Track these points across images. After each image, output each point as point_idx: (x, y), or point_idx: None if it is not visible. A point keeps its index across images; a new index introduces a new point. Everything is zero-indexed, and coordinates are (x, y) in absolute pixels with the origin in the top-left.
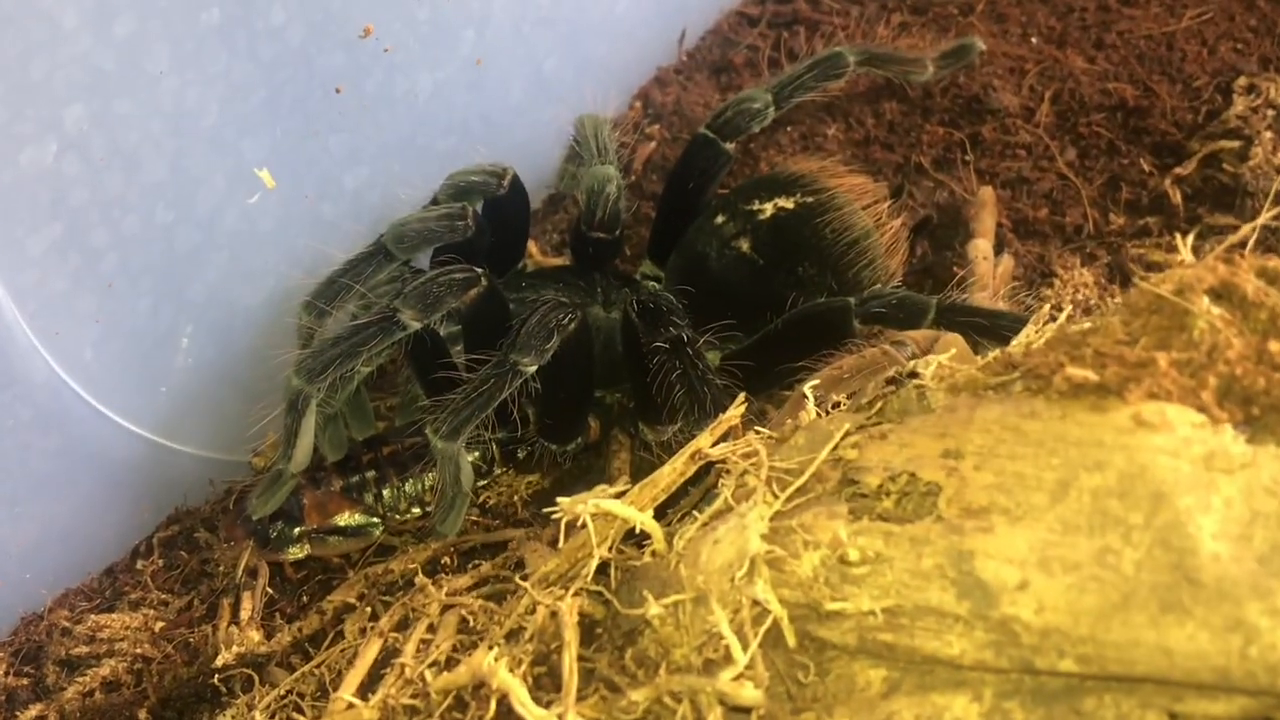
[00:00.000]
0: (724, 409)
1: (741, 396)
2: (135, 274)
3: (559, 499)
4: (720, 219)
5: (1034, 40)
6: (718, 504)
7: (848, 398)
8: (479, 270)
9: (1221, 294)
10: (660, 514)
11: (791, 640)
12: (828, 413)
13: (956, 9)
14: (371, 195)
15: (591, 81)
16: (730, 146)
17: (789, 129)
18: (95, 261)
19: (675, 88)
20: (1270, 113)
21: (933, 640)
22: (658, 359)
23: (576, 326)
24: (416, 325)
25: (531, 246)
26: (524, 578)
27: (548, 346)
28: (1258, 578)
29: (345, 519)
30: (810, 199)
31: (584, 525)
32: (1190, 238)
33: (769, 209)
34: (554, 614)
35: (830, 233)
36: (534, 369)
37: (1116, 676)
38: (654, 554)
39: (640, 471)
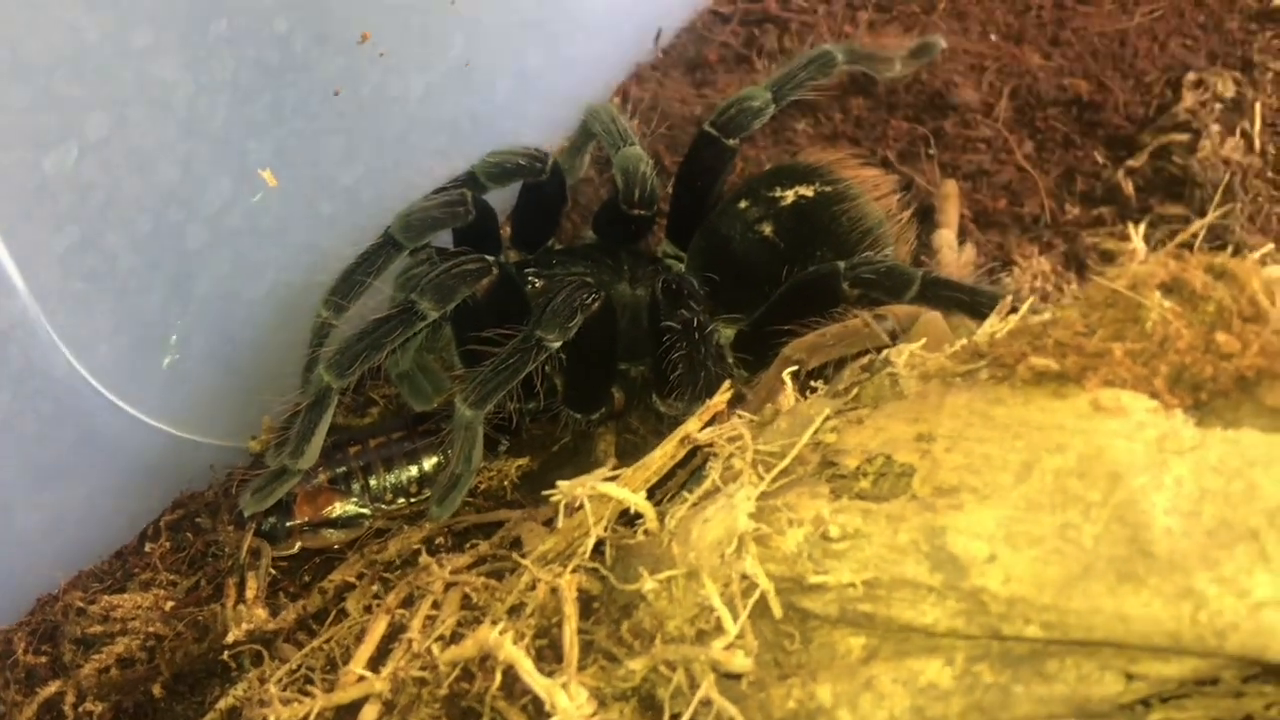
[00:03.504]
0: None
1: (728, 384)
2: (147, 272)
3: (559, 482)
4: (744, 204)
5: (993, 38)
6: (706, 485)
7: (827, 372)
8: (490, 259)
9: (1172, 288)
10: (651, 495)
11: (778, 611)
12: (806, 395)
13: (919, 7)
14: (367, 192)
15: (573, 79)
16: (733, 142)
17: None
18: (111, 261)
19: (653, 84)
20: (1218, 106)
21: (908, 610)
22: (668, 337)
23: (600, 305)
24: (435, 315)
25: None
26: (523, 556)
27: (571, 324)
28: (1206, 549)
29: (336, 510)
30: (829, 188)
31: (580, 506)
32: (1142, 227)
33: (790, 196)
34: (554, 590)
35: (847, 220)
36: (558, 345)
37: (1077, 641)
38: (647, 533)
39: (625, 454)
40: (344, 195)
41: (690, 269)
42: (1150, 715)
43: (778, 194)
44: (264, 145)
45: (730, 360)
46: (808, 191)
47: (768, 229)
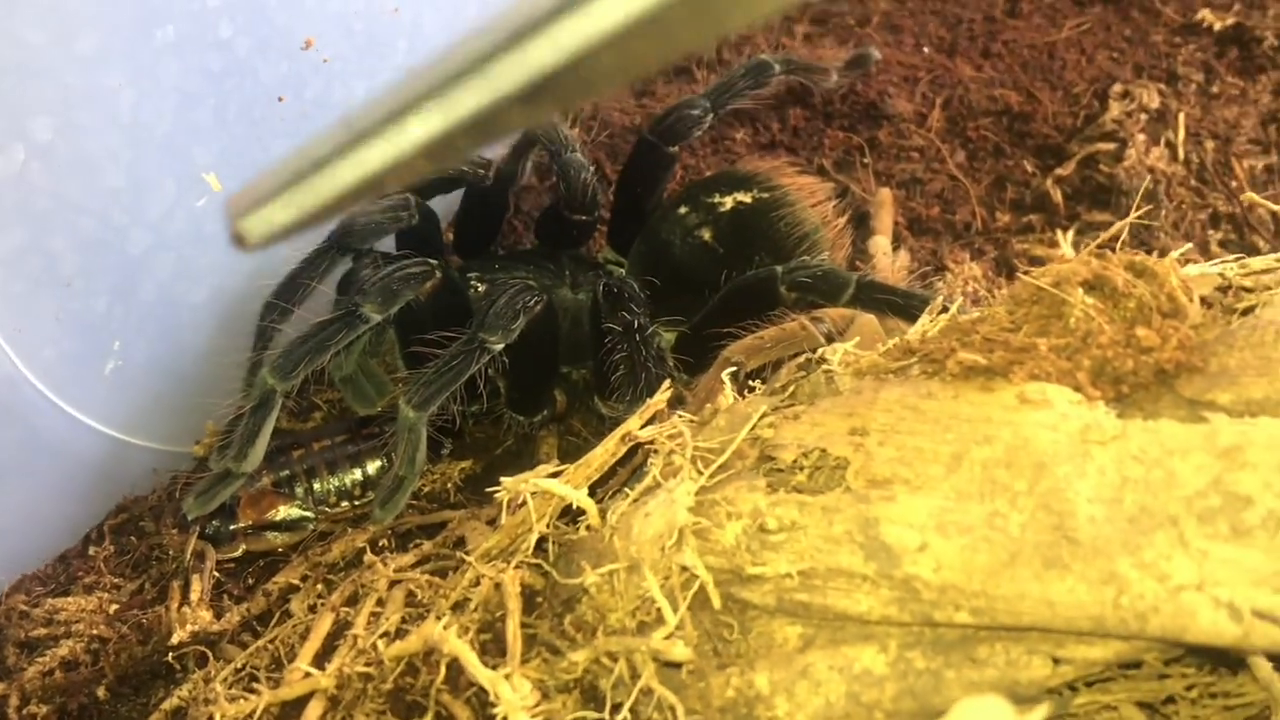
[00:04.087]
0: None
1: (668, 383)
2: (92, 275)
3: (502, 479)
4: (684, 210)
5: (926, 50)
6: (647, 481)
7: (765, 371)
8: (433, 262)
9: (1095, 286)
10: (593, 492)
11: (717, 602)
12: (745, 395)
13: (854, 20)
14: None
15: None
16: (673, 150)
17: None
18: (55, 263)
19: None
20: (1143, 117)
21: (843, 599)
22: (609, 339)
23: (542, 307)
24: (378, 318)
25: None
26: (466, 554)
27: (514, 326)
28: (1128, 535)
29: (280, 514)
30: (766, 195)
31: (523, 503)
32: (1070, 234)
33: (729, 202)
34: (497, 585)
35: (784, 226)
36: (501, 347)
37: (1006, 626)
38: (589, 528)
39: (567, 456)
40: None
41: (631, 273)
42: (1077, 698)
43: (717, 200)
44: (208, 150)
45: (671, 363)
46: (746, 198)
47: (707, 234)
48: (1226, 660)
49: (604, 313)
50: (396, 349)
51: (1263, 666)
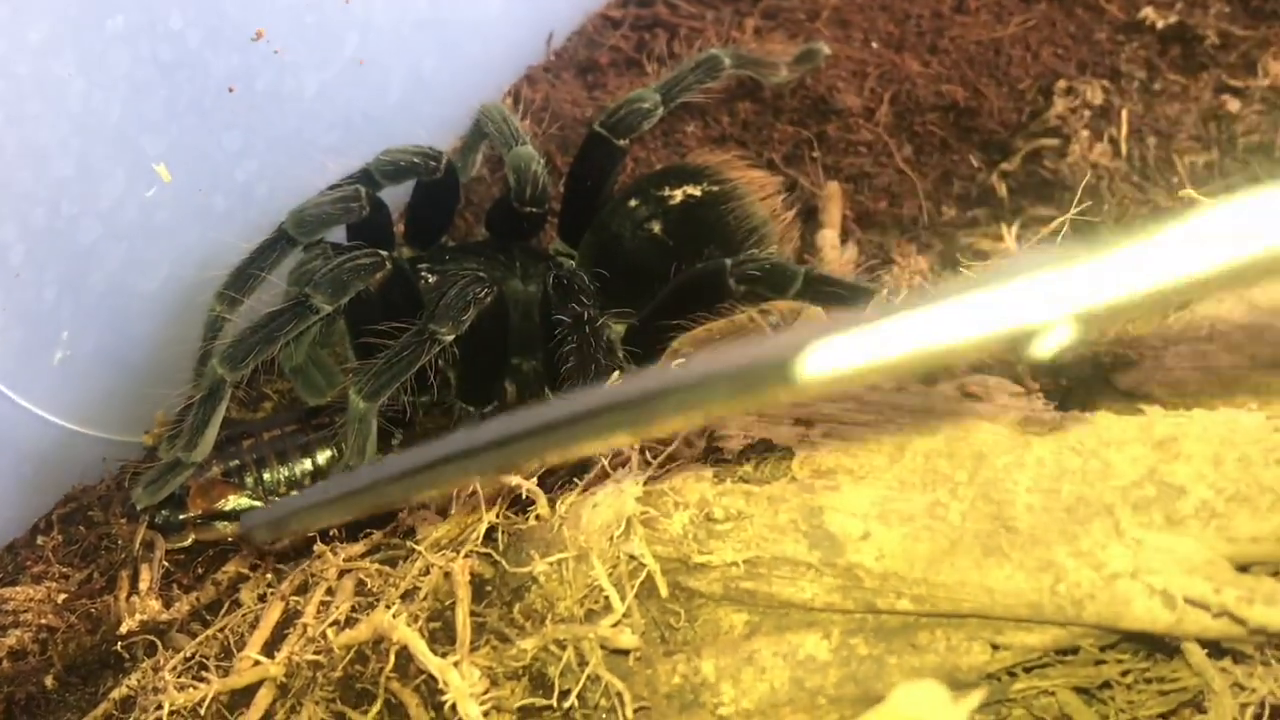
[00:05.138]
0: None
1: (616, 374)
2: (41, 264)
3: None
4: (634, 202)
5: (874, 45)
6: (596, 471)
7: None
8: (383, 254)
9: None
10: (542, 482)
11: (664, 590)
12: None
13: (804, 15)
14: (260, 187)
15: (466, 79)
16: (623, 143)
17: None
18: (4, 253)
19: (545, 85)
20: (1087, 113)
21: (788, 586)
22: (559, 331)
23: (493, 299)
24: (329, 309)
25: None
26: (416, 543)
27: (464, 317)
28: (1065, 524)
29: (230, 503)
30: (716, 188)
31: (473, 493)
32: (1014, 228)
33: (679, 195)
34: (447, 574)
35: (733, 219)
36: (451, 338)
37: (946, 613)
38: (538, 518)
39: None
40: (238, 191)
41: (581, 265)
42: (1015, 684)
43: (667, 193)
44: (158, 141)
45: (620, 355)
46: (695, 191)
47: (657, 227)
48: (1161, 646)
49: (554, 304)
50: (347, 339)
51: (1196, 653)
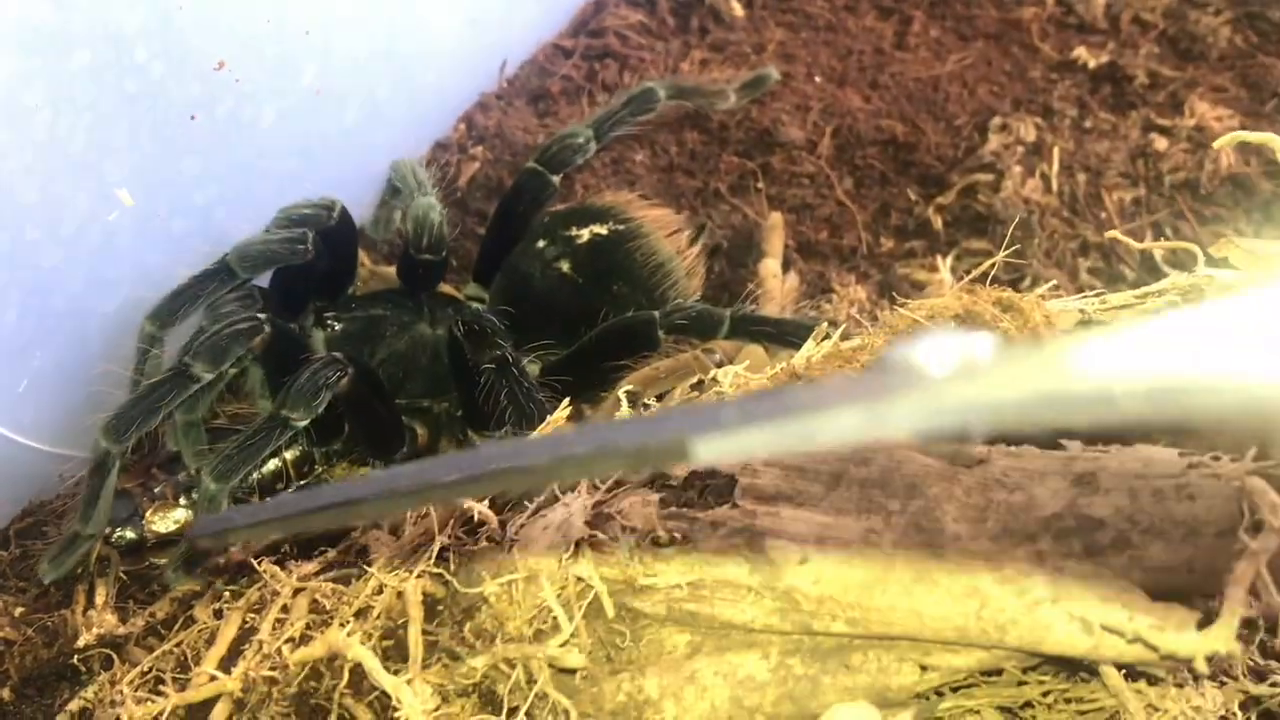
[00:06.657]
0: (546, 418)
1: (566, 402)
2: (3, 287)
3: None
4: (543, 243)
5: (818, 79)
6: (546, 494)
7: (658, 399)
8: (261, 317)
9: (965, 319)
10: (493, 504)
11: (610, 611)
12: (643, 412)
13: (750, 48)
14: (219, 212)
15: (420, 106)
16: (556, 179)
17: (601, 155)
18: None
19: (497, 112)
20: (1020, 149)
21: (729, 608)
22: (486, 377)
23: (348, 383)
24: (209, 377)
25: (364, 257)
26: (369, 563)
27: (316, 402)
28: (990, 553)
29: (182, 524)
30: (621, 226)
31: (426, 514)
32: (949, 259)
33: (586, 234)
34: (400, 594)
35: (639, 256)
36: (305, 423)
37: (878, 636)
38: (490, 539)
39: None
40: (198, 214)
41: (492, 306)
42: (943, 703)
43: (574, 233)
44: (121, 166)
45: (540, 395)
46: (601, 230)
47: (566, 266)
48: (1080, 668)
49: (469, 349)
50: (264, 388)
51: (1112, 675)
